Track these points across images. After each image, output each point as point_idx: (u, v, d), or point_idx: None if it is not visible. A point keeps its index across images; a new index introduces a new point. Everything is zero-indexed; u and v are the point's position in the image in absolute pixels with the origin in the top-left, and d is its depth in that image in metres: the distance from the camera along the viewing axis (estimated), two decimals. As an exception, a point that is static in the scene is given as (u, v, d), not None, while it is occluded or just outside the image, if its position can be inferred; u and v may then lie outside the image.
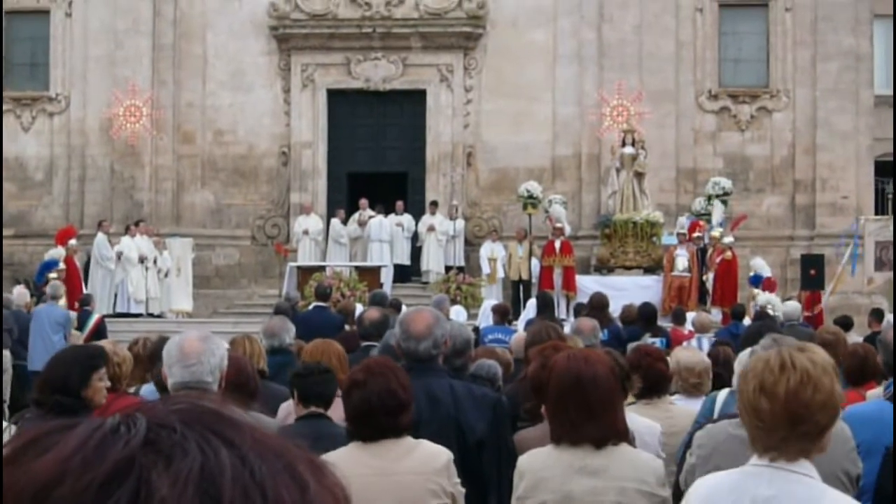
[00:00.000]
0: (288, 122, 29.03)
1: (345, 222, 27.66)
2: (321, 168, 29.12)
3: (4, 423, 5.94)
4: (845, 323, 15.92)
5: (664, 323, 17.74)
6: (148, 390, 7.15)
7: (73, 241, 24.20)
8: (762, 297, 22.37)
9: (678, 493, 4.93)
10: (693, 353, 8.38)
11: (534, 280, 24.67)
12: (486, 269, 25.92)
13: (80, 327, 18.79)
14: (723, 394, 6.40)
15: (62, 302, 19.64)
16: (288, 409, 6.56)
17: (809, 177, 28.30)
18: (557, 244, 24.57)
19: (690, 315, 18.11)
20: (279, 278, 26.75)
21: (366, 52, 28.71)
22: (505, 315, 17.06)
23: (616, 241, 25.32)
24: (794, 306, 17.92)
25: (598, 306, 16.27)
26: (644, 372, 6.90)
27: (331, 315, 15.99)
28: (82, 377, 5.46)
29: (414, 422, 4.79)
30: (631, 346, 9.80)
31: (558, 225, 25.01)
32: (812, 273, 23.65)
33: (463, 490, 4.80)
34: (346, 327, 14.54)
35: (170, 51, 28.73)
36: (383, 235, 27.15)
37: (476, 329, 16.38)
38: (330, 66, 28.93)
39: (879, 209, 27.90)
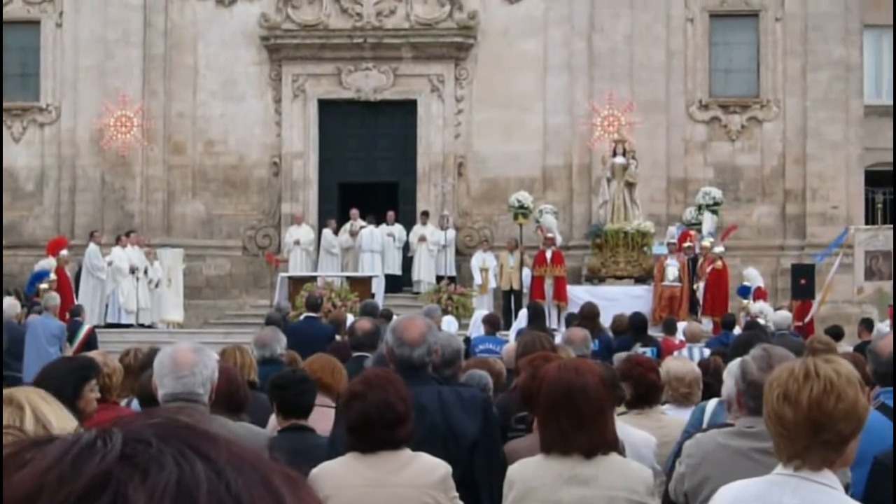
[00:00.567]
0: (279, 133, 29.03)
1: (336, 232, 27.66)
2: (312, 178, 29.11)
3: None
4: (836, 333, 15.95)
5: (655, 332, 17.76)
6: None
7: (64, 252, 24.16)
8: (755, 306, 22.41)
9: (668, 502, 4.93)
10: (683, 362, 8.38)
11: (525, 290, 24.67)
12: (477, 279, 25.92)
13: (71, 338, 18.74)
14: (712, 403, 6.40)
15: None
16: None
17: (800, 186, 28.36)
18: (548, 254, 24.58)
19: (682, 325, 18.13)
20: (270, 289, 26.75)
21: (357, 63, 28.73)
22: (495, 326, 17.07)
23: (607, 251, 25.34)
24: (784, 316, 17.95)
25: (589, 316, 16.28)
26: (636, 381, 6.90)
27: (322, 325, 16.00)
28: (75, 388, 5.46)
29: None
30: (618, 356, 9.80)
31: (549, 235, 25.03)
32: (802, 283, 23.68)
33: (461, 503, 4.80)
34: (338, 337, 14.54)
35: (160, 61, 28.73)
36: (374, 246, 27.14)
37: (467, 339, 16.38)
38: (321, 76, 28.95)
39: (869, 219, 27.94)
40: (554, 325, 20.86)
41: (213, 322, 27.20)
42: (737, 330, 17.98)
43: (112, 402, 6.56)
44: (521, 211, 25.51)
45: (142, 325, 25.04)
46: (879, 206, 28.40)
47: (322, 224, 28.20)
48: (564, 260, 24.96)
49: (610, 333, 16.16)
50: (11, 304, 19.53)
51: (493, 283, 25.81)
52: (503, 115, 28.52)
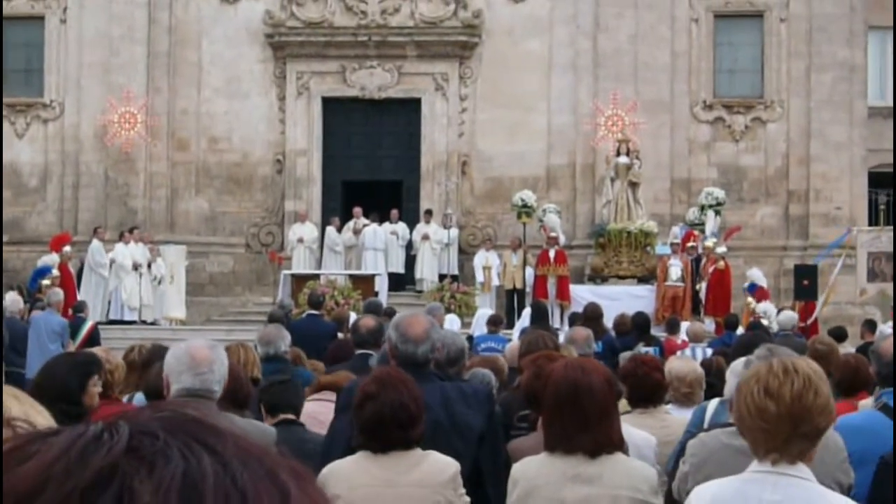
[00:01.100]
0: (283, 130, 29.03)
1: (339, 230, 27.65)
2: (316, 176, 29.12)
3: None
4: (839, 334, 15.91)
5: (657, 332, 17.75)
6: (141, 398, 7.13)
7: (67, 248, 24.17)
8: (760, 306, 22.39)
9: (671, 502, 4.93)
10: (686, 362, 8.37)
11: (528, 289, 24.68)
12: (480, 277, 25.92)
13: (74, 334, 18.74)
14: (713, 403, 6.39)
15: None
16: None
17: (803, 187, 28.35)
18: (552, 253, 24.58)
19: (685, 325, 18.12)
20: (273, 286, 26.74)
21: (361, 61, 28.73)
22: (498, 326, 17.07)
23: (610, 251, 25.33)
24: (790, 316, 17.90)
25: (592, 316, 16.26)
26: (640, 381, 6.88)
27: (324, 323, 16.01)
28: (80, 384, 5.48)
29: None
30: (623, 355, 9.79)
31: (552, 234, 25.03)
32: (805, 283, 23.67)
33: (468, 500, 4.80)
34: (340, 335, 14.53)
35: (165, 58, 28.73)
36: (378, 244, 27.14)
37: (469, 337, 16.37)
38: (325, 74, 28.95)
39: (873, 220, 27.93)
40: (557, 325, 20.86)
41: (216, 319, 27.21)
42: (739, 330, 17.98)
43: (114, 398, 6.57)
44: (525, 210, 25.50)
45: (144, 322, 25.04)
46: (882, 207, 28.41)
47: (325, 222, 28.20)
48: (567, 259, 24.97)
49: (613, 334, 16.15)
50: (14, 299, 19.55)
51: (495, 282, 25.82)
52: (507, 115, 28.52)
